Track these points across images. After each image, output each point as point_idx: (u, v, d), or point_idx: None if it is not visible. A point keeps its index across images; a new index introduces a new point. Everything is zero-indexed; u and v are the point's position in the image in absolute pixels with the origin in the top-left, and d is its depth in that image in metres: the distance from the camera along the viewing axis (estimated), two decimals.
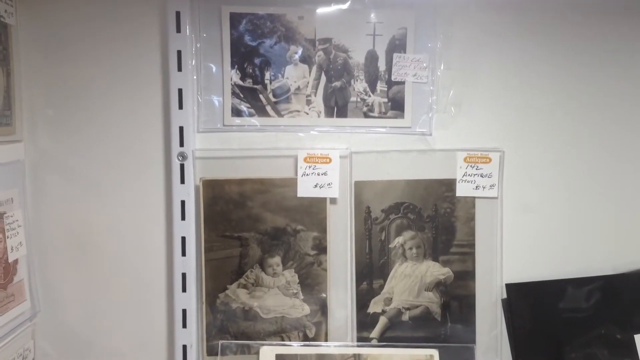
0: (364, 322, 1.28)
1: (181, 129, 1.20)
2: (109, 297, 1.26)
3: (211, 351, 1.25)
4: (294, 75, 1.22)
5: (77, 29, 1.20)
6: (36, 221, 1.22)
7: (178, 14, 1.17)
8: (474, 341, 1.28)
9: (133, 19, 1.20)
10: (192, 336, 1.23)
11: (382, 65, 1.22)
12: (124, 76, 1.22)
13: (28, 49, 1.19)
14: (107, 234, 1.24)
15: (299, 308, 1.27)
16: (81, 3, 1.19)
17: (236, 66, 1.21)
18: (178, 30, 1.18)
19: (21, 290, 1.18)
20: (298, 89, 1.23)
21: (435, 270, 1.28)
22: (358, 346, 1.27)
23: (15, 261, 1.16)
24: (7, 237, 1.12)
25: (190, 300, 1.23)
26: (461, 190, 1.26)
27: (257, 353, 1.23)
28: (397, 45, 1.22)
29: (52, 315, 1.25)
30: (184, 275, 1.23)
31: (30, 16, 1.18)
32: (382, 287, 1.28)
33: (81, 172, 1.23)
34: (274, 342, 1.25)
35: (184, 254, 1.22)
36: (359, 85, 1.23)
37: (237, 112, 1.23)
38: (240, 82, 1.22)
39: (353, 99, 1.24)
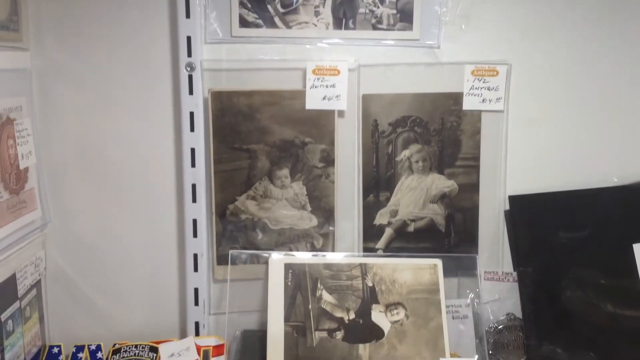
0: (370, 234, 1.31)
1: (189, 39, 1.19)
2: (120, 208, 1.27)
3: (221, 260, 1.28)
4: None
5: None
6: (45, 131, 1.22)
7: None
8: (476, 251, 1.32)
9: None
10: (202, 245, 1.26)
11: None
12: None
13: None
14: (116, 145, 1.25)
15: (307, 219, 1.29)
16: None
17: None
18: None
19: (32, 198, 1.19)
20: None
21: (440, 183, 1.31)
22: (364, 256, 1.30)
23: (26, 169, 1.16)
24: (18, 145, 1.12)
25: (201, 211, 1.25)
26: (468, 104, 1.27)
27: (266, 262, 1.26)
28: None
29: (63, 225, 1.26)
30: (193, 186, 1.24)
31: None
32: (388, 199, 1.30)
33: (89, 82, 1.22)
34: (283, 252, 1.28)
35: (193, 165, 1.23)
36: None
37: (244, 23, 1.22)
38: None
39: (362, 10, 1.23)
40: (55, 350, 1.23)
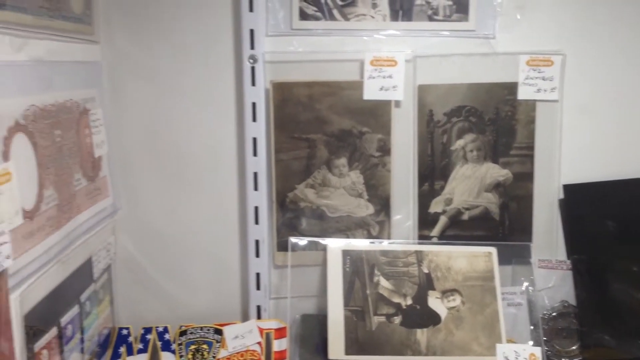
0: (425, 221, 1.34)
1: (252, 31, 1.24)
2: (186, 195, 1.32)
3: (281, 247, 1.32)
4: None
5: None
6: (116, 121, 1.28)
7: None
8: (530, 240, 1.34)
9: None
10: (263, 232, 1.30)
11: None
12: None
13: None
14: (182, 135, 1.30)
15: (364, 207, 1.33)
16: None
17: None
18: None
19: (105, 186, 1.25)
20: None
21: (495, 172, 1.33)
22: (419, 243, 1.33)
23: (100, 158, 1.22)
24: (93, 134, 1.18)
25: (262, 198, 1.30)
26: (523, 94, 1.29)
27: (324, 249, 1.30)
28: None
29: (132, 212, 1.32)
30: (255, 175, 1.29)
31: None
32: (442, 188, 1.33)
33: (157, 74, 1.28)
34: (340, 239, 1.32)
35: (255, 154, 1.28)
36: None
37: (304, 16, 1.26)
38: None
39: (418, 2, 1.26)
40: (125, 332, 1.28)
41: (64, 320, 1.06)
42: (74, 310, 1.10)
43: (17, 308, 0.89)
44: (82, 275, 1.15)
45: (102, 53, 1.25)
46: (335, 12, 1.26)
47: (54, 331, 1.01)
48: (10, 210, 0.85)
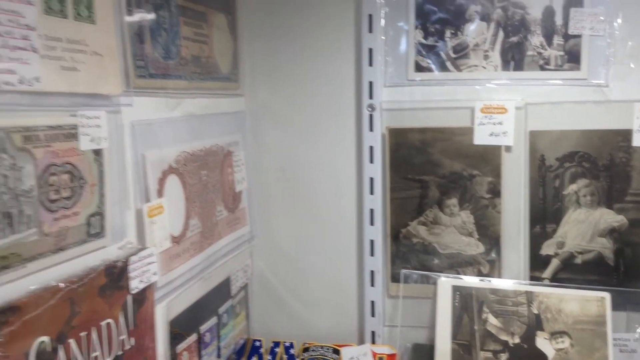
0: (536, 263, 1.38)
1: (371, 83, 1.39)
2: (311, 226, 1.50)
3: (394, 278, 1.44)
4: (473, 32, 1.34)
5: (288, 3, 1.43)
6: (255, 161, 1.50)
7: None
8: None
9: None
10: (378, 263, 1.43)
11: (558, 20, 1.29)
12: (324, 40, 1.43)
13: (251, 18, 1.45)
14: (310, 173, 1.48)
15: (474, 246, 1.40)
16: None
17: (420, 26, 1.36)
18: None
19: (244, 216, 1.47)
20: (476, 45, 1.34)
21: (609, 217, 1.33)
22: (531, 284, 1.37)
23: (240, 192, 1.44)
24: (235, 172, 1.41)
25: (377, 233, 1.43)
26: (638, 140, 1.28)
27: (435, 283, 1.39)
28: (574, 0, 1.27)
29: (266, 239, 1.53)
30: (371, 211, 1.42)
31: None
32: (554, 231, 1.36)
33: (289, 120, 1.47)
34: (451, 275, 1.40)
35: (372, 192, 1.42)
36: (536, 39, 1.31)
37: (419, 68, 1.38)
38: (423, 41, 1.37)
39: (529, 52, 1.32)
40: (257, 343, 1.48)
41: (203, 328, 1.27)
42: (213, 320, 1.31)
43: (164, 315, 1.11)
44: (221, 291, 1.37)
45: (246, 104, 1.48)
46: (448, 63, 1.37)
47: (194, 337, 1.23)
48: (161, 236, 1.08)
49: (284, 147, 1.49)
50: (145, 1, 1.01)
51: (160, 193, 1.09)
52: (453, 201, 1.40)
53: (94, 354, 0.84)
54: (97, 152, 0.88)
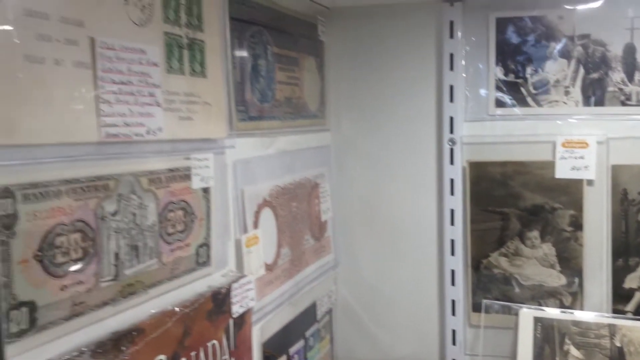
0: (619, 296, 1.38)
1: (451, 118, 1.44)
2: (393, 255, 1.56)
3: (475, 308, 1.47)
4: (554, 69, 1.37)
5: (371, 42, 1.52)
6: (339, 192, 1.58)
7: (451, 22, 1.41)
8: None
9: (415, 29, 1.48)
10: (459, 293, 1.47)
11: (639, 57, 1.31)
12: (405, 78, 1.50)
13: (336, 58, 1.54)
14: (391, 204, 1.55)
15: (556, 278, 1.42)
16: (375, 22, 1.51)
17: (500, 64, 1.41)
18: (451, 36, 1.42)
19: (328, 244, 1.55)
20: (557, 81, 1.38)
21: None
22: (613, 317, 1.37)
23: (325, 222, 1.53)
24: (321, 202, 1.49)
25: (458, 263, 1.47)
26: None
27: (517, 314, 1.41)
28: None
29: (349, 266, 1.60)
30: (452, 242, 1.47)
31: (337, 35, 1.53)
32: (637, 264, 1.36)
33: (372, 153, 1.55)
34: (533, 307, 1.42)
35: (452, 223, 1.46)
36: (617, 76, 1.33)
37: (500, 104, 1.43)
38: (504, 77, 1.41)
39: (610, 88, 1.34)
40: None
41: (292, 350, 1.35)
42: (300, 343, 1.39)
43: (258, 337, 1.20)
44: (308, 315, 1.45)
45: (331, 138, 1.57)
46: (529, 99, 1.41)
47: (284, 358, 1.31)
48: (256, 264, 1.17)
49: (366, 178, 1.57)
50: (247, 53, 1.12)
51: (255, 225, 1.18)
52: (534, 233, 1.42)
53: None
54: (205, 190, 0.99)
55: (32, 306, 0.67)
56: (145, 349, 0.82)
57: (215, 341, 0.98)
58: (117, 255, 0.79)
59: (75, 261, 0.72)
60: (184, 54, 0.91)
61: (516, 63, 1.40)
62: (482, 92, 1.43)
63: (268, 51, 1.20)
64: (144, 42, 0.82)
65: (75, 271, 0.72)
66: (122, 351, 0.77)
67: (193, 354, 0.92)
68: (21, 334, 0.66)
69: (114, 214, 0.78)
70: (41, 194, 0.67)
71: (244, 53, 1.11)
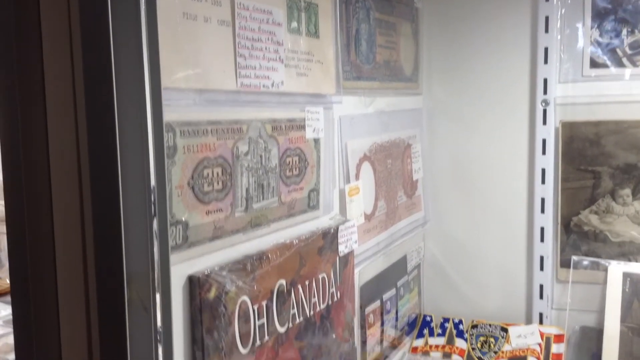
0: None
1: (545, 80, 1.48)
2: (481, 213, 1.62)
3: (564, 264, 1.52)
4: None
5: (465, 7, 1.57)
6: (429, 153, 1.65)
7: None
8: None
9: None
10: (548, 249, 1.52)
11: None
12: (499, 41, 1.55)
13: (430, 24, 1.61)
14: (481, 164, 1.61)
15: None
16: None
17: (595, 26, 1.43)
18: None
19: (419, 202, 1.63)
20: None
21: None
22: None
23: (416, 180, 1.61)
24: (412, 162, 1.58)
25: (547, 221, 1.52)
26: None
27: (605, 270, 1.45)
28: None
29: (438, 223, 1.68)
30: (542, 200, 1.52)
31: (431, 1, 1.60)
32: None
33: (463, 116, 1.61)
34: (622, 262, 1.45)
35: (543, 182, 1.51)
36: None
37: (595, 64, 1.45)
38: (599, 39, 1.43)
39: None
40: (428, 318, 1.64)
41: (385, 296, 1.46)
42: (392, 291, 1.50)
43: (357, 280, 1.31)
44: (399, 267, 1.54)
45: (423, 101, 1.64)
46: (624, 59, 1.42)
47: (377, 303, 1.42)
48: (357, 212, 1.28)
49: (456, 140, 1.63)
50: (352, 17, 1.21)
51: (357, 176, 1.29)
52: (626, 191, 1.45)
53: (313, 300, 1.05)
54: (316, 140, 1.10)
55: (185, 225, 0.80)
56: (270, 273, 0.94)
57: (324, 274, 1.09)
58: (247, 191, 0.91)
59: (217, 191, 0.85)
60: (301, 16, 1.01)
61: (612, 24, 1.42)
62: (577, 53, 1.46)
63: (370, 16, 1.29)
64: (271, 4, 0.93)
65: (217, 200, 0.85)
66: (252, 272, 0.90)
67: (307, 282, 1.04)
68: (175, 248, 0.79)
69: (246, 154, 0.90)
70: (194, 132, 0.80)
71: (350, 17, 1.21)
